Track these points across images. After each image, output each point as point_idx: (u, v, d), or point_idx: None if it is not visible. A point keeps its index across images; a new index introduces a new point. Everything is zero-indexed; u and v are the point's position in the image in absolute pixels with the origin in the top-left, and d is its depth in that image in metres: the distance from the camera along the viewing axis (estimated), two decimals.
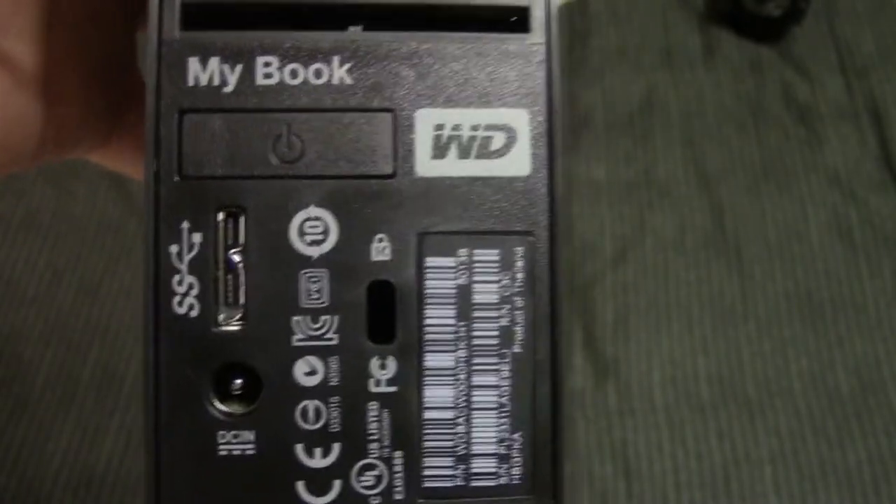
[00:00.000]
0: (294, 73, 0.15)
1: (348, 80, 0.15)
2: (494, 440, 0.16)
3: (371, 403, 0.15)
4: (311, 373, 0.15)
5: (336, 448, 0.15)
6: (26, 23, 0.18)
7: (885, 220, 0.52)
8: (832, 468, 0.43)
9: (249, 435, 0.15)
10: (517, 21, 0.16)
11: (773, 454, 0.44)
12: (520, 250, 0.16)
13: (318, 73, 0.15)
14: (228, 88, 0.15)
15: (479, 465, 0.16)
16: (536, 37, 0.16)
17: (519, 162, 0.16)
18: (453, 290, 0.15)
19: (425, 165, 0.15)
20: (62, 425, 0.44)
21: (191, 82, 0.15)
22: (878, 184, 0.53)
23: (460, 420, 0.16)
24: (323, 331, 0.15)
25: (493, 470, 0.16)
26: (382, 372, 0.15)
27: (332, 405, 0.15)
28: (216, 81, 0.15)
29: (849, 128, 0.55)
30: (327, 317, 0.15)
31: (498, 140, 0.16)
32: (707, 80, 0.57)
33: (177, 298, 0.15)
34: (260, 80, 0.15)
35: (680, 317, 0.48)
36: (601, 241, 0.51)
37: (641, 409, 0.45)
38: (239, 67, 0.15)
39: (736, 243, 0.51)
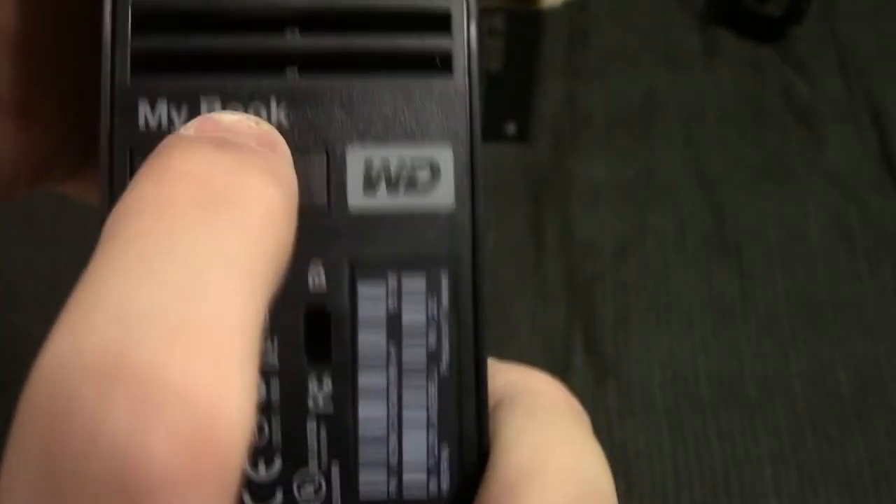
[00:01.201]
0: None
1: (286, 123, 0.17)
2: (424, 454, 0.17)
3: (310, 419, 0.16)
4: None
5: (278, 460, 0.16)
6: (1, 54, 0.18)
7: (885, 220, 0.52)
8: (832, 468, 0.43)
9: None
10: (443, 62, 0.17)
11: (773, 454, 0.44)
12: (444, 278, 0.17)
13: (257, 114, 0.16)
14: (175, 129, 0.16)
15: (410, 478, 0.17)
16: (459, 78, 0.17)
17: (443, 195, 0.17)
18: (383, 315, 0.17)
19: (357, 199, 0.17)
20: None
21: (141, 125, 0.16)
22: (878, 184, 0.53)
23: (392, 436, 0.17)
24: (265, 353, 0.16)
25: (423, 482, 0.17)
26: (320, 390, 0.16)
27: (274, 421, 0.16)
28: (164, 123, 0.16)
29: (849, 128, 0.55)
30: (268, 341, 0.16)
31: (423, 175, 0.17)
32: (707, 80, 0.57)
33: None
34: None
35: (680, 317, 0.48)
36: (601, 241, 0.51)
37: (641, 409, 0.45)
38: (185, 109, 0.16)
39: (736, 243, 0.51)
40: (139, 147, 0.16)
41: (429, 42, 0.17)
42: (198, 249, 0.12)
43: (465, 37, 0.17)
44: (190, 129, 0.14)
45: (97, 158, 0.21)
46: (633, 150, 0.54)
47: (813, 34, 0.58)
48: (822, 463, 0.44)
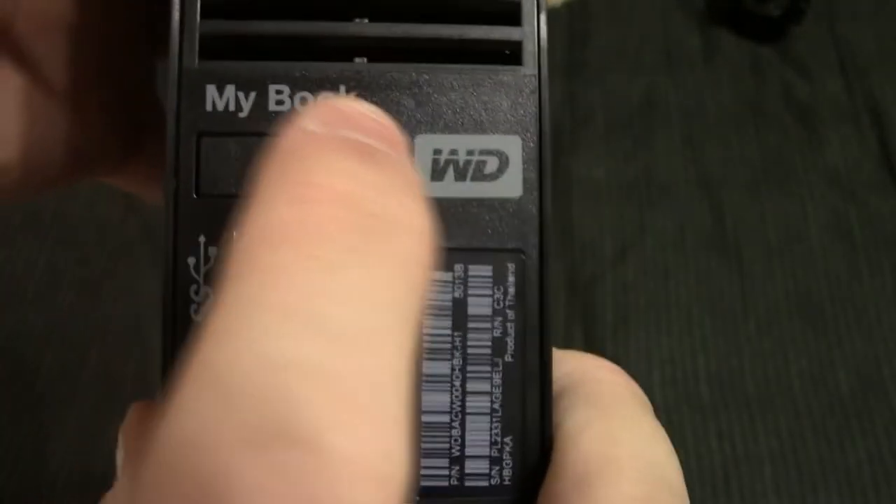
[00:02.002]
0: (304, 101, 0.16)
1: None
2: (487, 443, 0.16)
3: None
4: None
5: None
6: (57, 45, 0.18)
7: (885, 220, 0.52)
8: (832, 468, 0.43)
9: None
10: (511, 54, 0.17)
11: (773, 454, 0.44)
12: (511, 266, 0.17)
13: None
14: (243, 114, 0.16)
15: (472, 467, 0.16)
16: (529, 69, 0.17)
17: (511, 185, 0.17)
18: (449, 303, 0.17)
19: (424, 187, 0.16)
20: (62, 425, 0.44)
21: (209, 108, 0.16)
22: (878, 184, 0.53)
23: (455, 424, 0.16)
24: None
25: (486, 471, 0.16)
26: None
27: None
28: (232, 107, 0.16)
29: (849, 128, 0.55)
30: None
31: (492, 164, 0.17)
32: (707, 80, 0.57)
33: (194, 307, 0.16)
34: (272, 107, 0.16)
35: (680, 317, 0.48)
36: (601, 241, 0.51)
37: None
38: (253, 95, 0.16)
39: (736, 243, 0.51)
40: (206, 130, 0.16)
41: (499, 33, 0.17)
42: (355, 292, 0.11)
43: (535, 28, 0.17)
44: (313, 119, 0.13)
45: (143, 152, 0.21)
46: (633, 150, 0.54)
47: (813, 34, 0.58)
48: (822, 463, 0.44)
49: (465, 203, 0.17)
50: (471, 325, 0.16)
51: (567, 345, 0.49)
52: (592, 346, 0.47)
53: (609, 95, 0.56)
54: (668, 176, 0.53)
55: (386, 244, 0.12)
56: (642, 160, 0.54)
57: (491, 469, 0.16)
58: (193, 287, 0.16)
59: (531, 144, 0.17)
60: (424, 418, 0.16)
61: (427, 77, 0.17)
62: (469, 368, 0.16)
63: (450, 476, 0.16)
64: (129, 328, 0.46)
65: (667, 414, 0.45)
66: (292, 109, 0.16)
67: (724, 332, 0.48)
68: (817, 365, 0.47)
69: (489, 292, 0.17)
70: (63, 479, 0.42)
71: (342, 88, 0.16)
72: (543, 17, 0.17)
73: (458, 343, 0.16)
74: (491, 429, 0.16)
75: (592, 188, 0.52)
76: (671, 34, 0.59)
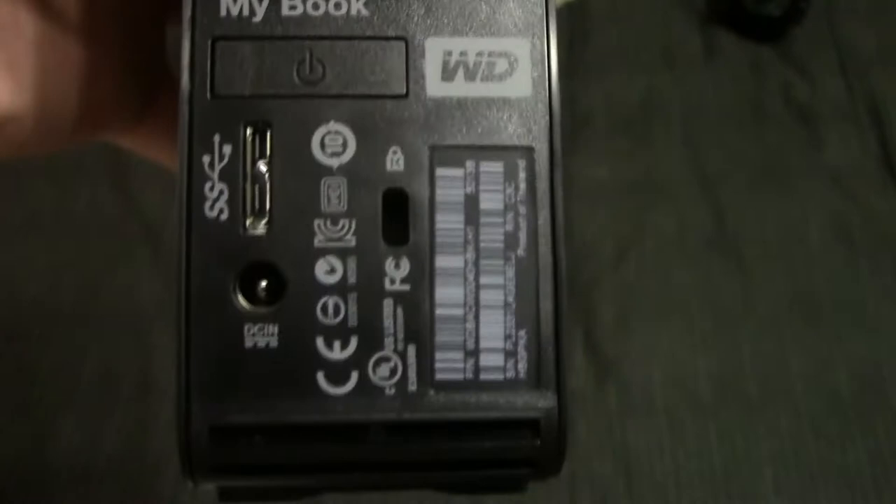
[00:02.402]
0: (316, 6, 0.17)
1: (365, 13, 0.17)
2: (501, 337, 0.17)
3: (386, 300, 0.17)
4: (331, 271, 0.16)
5: (353, 341, 0.16)
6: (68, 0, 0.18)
7: (885, 220, 0.52)
8: (832, 468, 0.43)
9: (273, 328, 0.16)
10: None
11: (773, 454, 0.44)
12: (522, 163, 0.17)
13: (337, 6, 0.17)
14: (257, 18, 0.17)
15: (486, 361, 0.17)
16: None
17: (521, 84, 0.17)
18: (461, 198, 0.17)
19: (435, 87, 0.17)
20: (62, 425, 0.44)
21: (223, 13, 0.17)
22: (878, 184, 0.53)
23: (469, 317, 0.17)
24: (342, 233, 0.17)
25: (500, 365, 0.17)
26: (397, 271, 0.17)
27: (350, 301, 0.17)
28: (246, 12, 0.17)
29: (849, 128, 0.55)
30: (346, 220, 0.17)
31: (501, 65, 0.17)
32: (707, 80, 0.57)
33: (208, 203, 0.16)
34: (285, 11, 0.17)
35: (680, 317, 0.48)
36: (601, 241, 0.51)
37: (642, 409, 0.45)
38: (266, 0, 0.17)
39: (736, 243, 0.51)
40: (221, 34, 0.17)
41: None
42: None
43: None
44: None
45: (154, 114, 0.21)
46: (633, 150, 0.54)
47: (813, 34, 0.58)
48: (822, 463, 0.44)
49: (476, 102, 0.17)
50: (483, 219, 0.17)
51: (567, 345, 0.49)
52: (592, 346, 0.47)
53: (609, 95, 0.56)
54: (668, 176, 0.53)
55: None
56: (642, 160, 0.54)
57: (506, 362, 0.17)
58: (208, 184, 0.16)
59: (539, 46, 0.18)
60: (438, 311, 0.17)
61: None
62: (482, 262, 0.17)
63: (465, 369, 0.17)
64: (129, 328, 0.46)
65: (667, 414, 0.45)
66: (304, 14, 0.17)
67: (724, 332, 0.48)
68: (817, 365, 0.47)
69: (500, 188, 0.17)
70: (63, 478, 0.42)
71: None
72: None
73: (470, 237, 0.17)
74: (505, 322, 0.17)
75: (592, 188, 0.52)
76: (671, 34, 0.59)
